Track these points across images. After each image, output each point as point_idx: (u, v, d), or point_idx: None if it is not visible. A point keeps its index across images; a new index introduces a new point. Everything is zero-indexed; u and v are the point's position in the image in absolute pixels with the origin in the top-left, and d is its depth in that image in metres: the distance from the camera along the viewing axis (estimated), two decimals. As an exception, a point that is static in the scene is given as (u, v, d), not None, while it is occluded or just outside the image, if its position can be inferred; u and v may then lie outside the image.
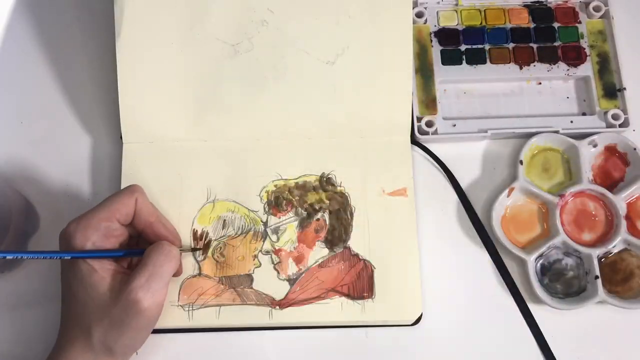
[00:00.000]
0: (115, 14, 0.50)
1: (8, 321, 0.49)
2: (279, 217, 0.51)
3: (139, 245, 0.47)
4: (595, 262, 0.50)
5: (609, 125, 0.54)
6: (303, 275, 0.49)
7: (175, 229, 0.48)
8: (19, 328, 0.49)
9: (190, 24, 0.51)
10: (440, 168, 0.53)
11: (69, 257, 0.42)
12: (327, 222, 0.50)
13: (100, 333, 0.42)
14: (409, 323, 0.49)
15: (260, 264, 0.49)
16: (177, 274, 0.48)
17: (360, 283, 0.49)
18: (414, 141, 0.53)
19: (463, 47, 0.56)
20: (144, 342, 0.44)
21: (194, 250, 0.49)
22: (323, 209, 0.51)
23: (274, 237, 0.50)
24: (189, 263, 0.49)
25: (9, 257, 0.45)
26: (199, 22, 0.51)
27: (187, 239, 0.50)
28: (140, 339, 0.44)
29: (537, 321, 0.49)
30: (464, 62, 0.56)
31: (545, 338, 0.49)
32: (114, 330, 0.42)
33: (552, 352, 0.48)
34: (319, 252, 0.50)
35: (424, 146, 0.54)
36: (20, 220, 0.50)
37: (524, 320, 0.50)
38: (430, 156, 0.53)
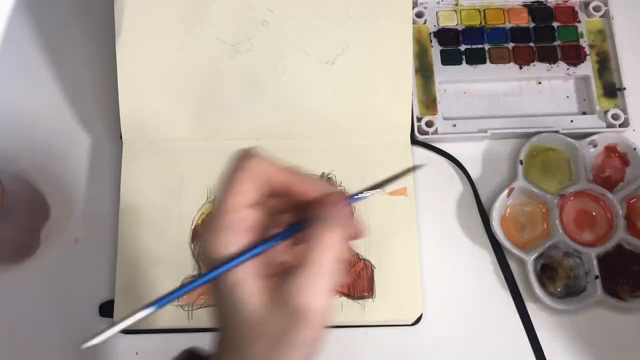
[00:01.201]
0: (115, 13, 0.50)
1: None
2: (279, 217, 0.51)
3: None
4: (595, 262, 0.50)
5: (609, 125, 0.54)
6: (303, 275, 0.49)
7: (322, 182, 0.39)
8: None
9: (190, 24, 0.51)
10: (454, 164, 0.54)
11: (217, 275, 0.32)
12: (327, 222, 0.50)
13: (259, 354, 0.32)
14: (409, 323, 0.49)
15: (260, 264, 0.49)
16: (356, 236, 0.35)
17: (360, 283, 0.49)
18: (415, 141, 0.53)
19: (463, 47, 0.56)
20: None
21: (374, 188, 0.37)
22: (323, 208, 0.51)
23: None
24: (188, 263, 0.49)
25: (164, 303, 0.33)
26: (199, 22, 0.51)
27: (186, 240, 0.50)
28: (310, 357, 0.33)
29: (534, 322, 0.49)
30: (463, 62, 0.56)
31: (540, 339, 0.49)
32: (276, 349, 0.32)
33: (544, 355, 0.49)
34: (319, 252, 0.50)
35: (432, 145, 0.54)
36: (34, 209, 0.50)
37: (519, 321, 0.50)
38: (441, 154, 0.54)
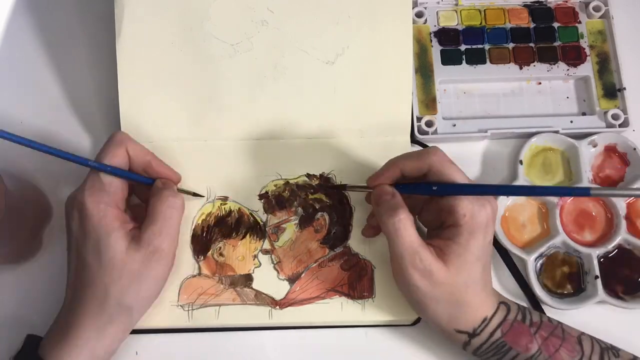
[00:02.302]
0: (116, 14, 0.50)
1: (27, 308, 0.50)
2: (279, 217, 0.51)
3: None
4: (595, 262, 0.50)
5: (609, 125, 0.54)
6: (303, 275, 0.49)
7: (171, 168, 0.49)
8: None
9: (190, 23, 0.51)
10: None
11: (95, 168, 0.44)
12: (327, 222, 0.50)
13: (117, 292, 0.42)
14: (409, 323, 0.49)
15: (260, 264, 0.49)
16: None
17: (360, 283, 0.49)
18: (415, 141, 0.53)
19: (463, 47, 0.56)
20: (159, 294, 0.46)
21: (195, 194, 0.50)
22: (323, 208, 0.51)
23: (274, 237, 0.50)
24: (188, 263, 0.49)
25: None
26: (199, 22, 0.51)
27: (186, 239, 0.50)
28: (157, 289, 0.45)
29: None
30: (463, 62, 0.56)
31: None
32: (133, 286, 0.43)
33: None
34: (318, 251, 0.50)
35: (426, 145, 0.54)
36: (36, 210, 0.50)
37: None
38: None
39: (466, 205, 0.42)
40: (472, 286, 0.43)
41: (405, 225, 0.42)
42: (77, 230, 0.44)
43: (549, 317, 0.46)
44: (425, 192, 0.44)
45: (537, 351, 0.43)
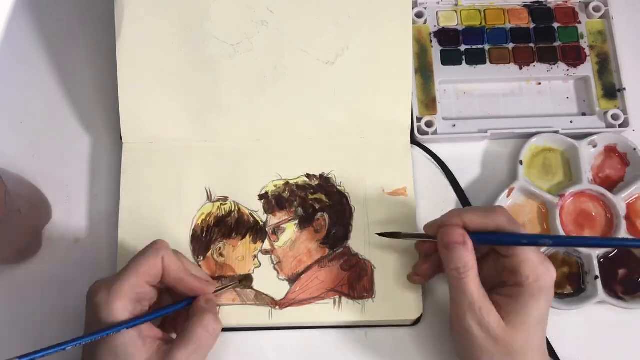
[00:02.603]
0: (116, 14, 0.50)
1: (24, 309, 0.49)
2: (279, 217, 0.51)
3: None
4: (595, 262, 0.50)
5: (609, 126, 0.54)
6: (303, 275, 0.49)
7: (206, 274, 0.47)
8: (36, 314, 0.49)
9: (190, 24, 0.51)
10: (440, 168, 0.53)
11: (113, 333, 0.40)
12: (327, 222, 0.50)
13: None
14: (409, 323, 0.49)
15: (260, 264, 0.49)
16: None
17: (360, 283, 0.49)
18: (414, 141, 0.53)
19: (463, 48, 0.56)
20: None
21: (233, 286, 0.48)
22: (323, 208, 0.51)
23: (274, 237, 0.50)
24: (188, 263, 0.49)
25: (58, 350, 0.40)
26: (199, 22, 0.51)
27: (186, 240, 0.50)
28: None
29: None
30: (463, 62, 0.56)
31: (551, 338, 0.49)
32: None
33: (555, 351, 0.48)
34: (319, 251, 0.50)
35: (424, 146, 0.54)
36: (36, 210, 0.50)
37: None
38: (431, 156, 0.53)
39: (531, 267, 0.41)
40: (531, 351, 0.42)
41: (471, 273, 0.41)
42: (93, 327, 0.41)
43: None
44: (510, 243, 0.42)
45: None
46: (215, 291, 0.45)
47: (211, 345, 0.43)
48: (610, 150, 0.54)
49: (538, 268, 0.41)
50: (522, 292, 0.41)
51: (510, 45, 0.56)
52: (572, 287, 0.50)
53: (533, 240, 0.42)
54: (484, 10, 0.57)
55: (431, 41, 0.56)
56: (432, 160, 0.54)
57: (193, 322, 0.42)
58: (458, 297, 0.42)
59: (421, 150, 0.54)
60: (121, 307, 0.40)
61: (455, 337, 0.44)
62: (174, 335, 0.45)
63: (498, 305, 0.42)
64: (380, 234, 0.48)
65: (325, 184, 0.51)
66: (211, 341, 0.42)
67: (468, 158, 0.54)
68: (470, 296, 0.41)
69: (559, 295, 0.50)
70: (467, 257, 0.42)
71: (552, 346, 0.48)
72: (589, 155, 0.53)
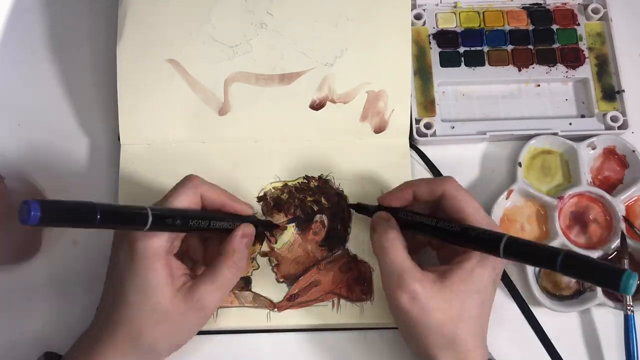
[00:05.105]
0: (119, 16, 0.51)
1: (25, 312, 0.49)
2: (278, 219, 0.50)
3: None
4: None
5: (608, 128, 0.54)
6: (301, 277, 0.49)
7: (245, 202, 0.47)
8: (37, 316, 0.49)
9: (190, 26, 0.51)
10: (432, 173, 0.53)
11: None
12: (326, 224, 0.50)
13: (152, 337, 0.41)
14: (408, 325, 0.49)
15: (259, 266, 0.49)
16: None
17: (358, 285, 0.49)
18: (410, 144, 0.53)
19: (462, 49, 0.56)
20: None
21: (270, 225, 0.50)
22: (322, 210, 0.51)
23: (272, 239, 0.50)
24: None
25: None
26: (199, 25, 0.51)
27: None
28: (189, 338, 0.44)
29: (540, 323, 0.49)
30: (462, 64, 0.56)
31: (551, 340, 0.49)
32: (169, 334, 0.41)
33: (559, 353, 0.48)
34: (317, 253, 0.50)
35: (420, 151, 0.54)
36: None
37: (525, 322, 0.49)
38: (425, 161, 0.54)
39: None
40: (467, 321, 0.41)
41: (394, 244, 0.42)
42: (124, 264, 0.41)
43: None
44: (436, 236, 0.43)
45: None
46: (254, 223, 0.46)
47: (235, 281, 0.44)
48: (609, 152, 0.54)
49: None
50: (471, 257, 0.41)
51: (509, 47, 0.56)
52: (571, 289, 0.50)
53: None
54: (483, 12, 0.57)
55: (430, 43, 0.56)
56: (426, 166, 0.54)
57: (221, 260, 0.43)
58: (384, 270, 0.42)
59: (416, 155, 0.54)
60: (157, 242, 0.40)
61: (392, 315, 0.43)
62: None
63: (441, 272, 0.41)
64: (350, 205, 0.50)
65: (324, 185, 0.51)
66: (235, 280, 0.43)
67: (467, 160, 0.54)
68: (396, 267, 0.41)
69: (559, 298, 0.50)
70: (390, 231, 0.42)
71: (555, 348, 0.48)
72: (587, 157, 0.53)
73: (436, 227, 0.43)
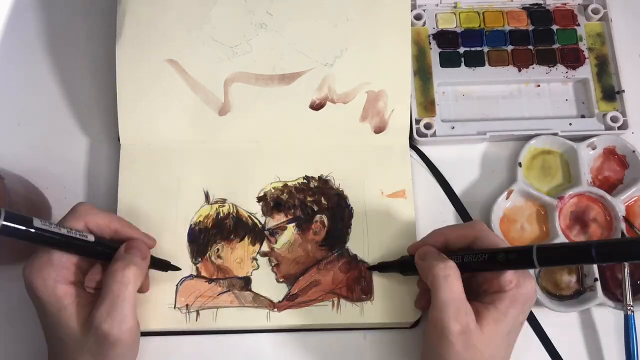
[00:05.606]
0: (118, 15, 0.51)
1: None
2: (278, 219, 0.50)
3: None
4: (595, 265, 0.49)
5: (608, 128, 0.54)
6: (301, 277, 0.49)
7: (143, 232, 0.46)
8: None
9: (190, 26, 0.51)
10: (432, 173, 0.53)
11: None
12: (326, 224, 0.50)
13: None
14: (408, 326, 0.49)
15: (259, 266, 0.49)
16: (142, 290, 0.47)
17: (358, 285, 0.49)
18: (410, 144, 0.53)
19: (462, 50, 0.56)
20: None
21: (168, 266, 0.47)
22: (322, 210, 0.51)
23: (272, 239, 0.50)
24: (186, 265, 0.49)
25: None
26: (198, 25, 0.51)
27: (184, 241, 0.49)
28: None
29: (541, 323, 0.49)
30: (462, 64, 0.56)
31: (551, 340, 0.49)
32: (99, 358, 0.41)
33: (559, 353, 0.48)
34: (317, 253, 0.50)
35: (420, 150, 0.54)
36: (35, 210, 0.50)
37: (525, 322, 0.49)
38: (425, 161, 0.54)
39: (514, 273, 0.41)
40: (495, 358, 0.41)
41: (455, 275, 0.41)
42: (35, 303, 0.42)
43: None
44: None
45: None
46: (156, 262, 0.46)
47: (129, 297, 0.40)
48: (609, 153, 0.54)
49: (519, 274, 0.41)
50: (504, 298, 0.41)
51: (509, 48, 0.56)
52: (571, 289, 0.50)
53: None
54: (483, 13, 0.57)
55: (430, 43, 0.56)
56: (426, 166, 0.54)
57: (105, 275, 0.41)
58: (442, 298, 0.40)
59: (416, 155, 0.54)
60: (45, 277, 0.40)
61: (429, 342, 0.42)
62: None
63: (477, 310, 0.41)
64: (370, 268, 0.49)
65: (323, 185, 0.51)
66: (125, 291, 0.40)
67: (467, 160, 0.54)
68: (456, 298, 0.40)
69: (559, 298, 0.50)
70: (448, 261, 0.41)
71: (555, 348, 0.48)
72: (588, 157, 0.53)
73: (464, 262, 0.42)
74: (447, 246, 0.44)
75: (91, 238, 0.42)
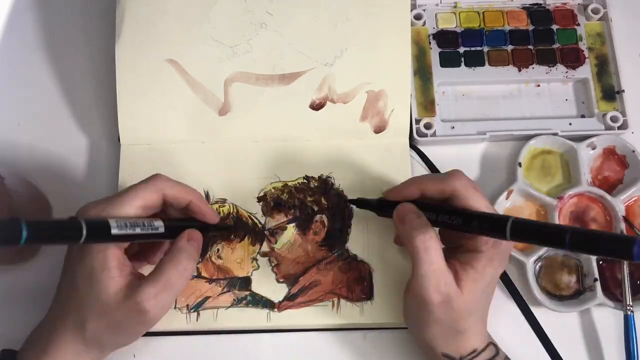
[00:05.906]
0: (117, 15, 0.51)
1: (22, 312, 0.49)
2: (278, 219, 0.50)
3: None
4: (594, 265, 0.49)
5: (608, 128, 0.54)
6: (301, 277, 0.49)
7: (207, 204, 0.46)
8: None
9: (189, 26, 0.51)
10: (432, 173, 0.53)
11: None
12: (326, 224, 0.50)
13: (94, 331, 0.41)
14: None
15: (259, 267, 0.49)
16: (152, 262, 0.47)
17: (358, 285, 0.49)
18: (410, 144, 0.53)
19: (461, 49, 0.56)
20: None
21: (227, 227, 0.50)
22: (322, 210, 0.51)
23: (272, 239, 0.50)
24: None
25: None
26: (198, 24, 0.51)
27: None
28: (134, 339, 0.44)
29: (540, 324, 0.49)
30: (462, 64, 0.56)
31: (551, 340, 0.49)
32: (110, 331, 0.41)
33: (559, 353, 0.48)
34: (317, 254, 0.50)
35: (420, 150, 0.54)
36: (35, 209, 0.50)
37: (525, 323, 0.50)
38: (425, 161, 0.54)
39: None
40: (474, 315, 0.43)
41: (435, 245, 0.41)
42: (77, 252, 0.42)
43: None
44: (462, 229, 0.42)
45: None
46: (217, 227, 0.47)
47: (181, 285, 0.42)
48: (609, 152, 0.54)
49: None
50: (480, 258, 0.42)
51: (509, 47, 0.56)
52: (571, 290, 0.50)
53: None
54: (483, 12, 0.57)
55: (430, 43, 0.56)
56: (426, 166, 0.54)
57: (166, 259, 0.42)
58: (423, 270, 0.41)
59: (416, 155, 0.54)
60: (113, 250, 0.40)
61: (411, 309, 0.44)
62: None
63: (455, 272, 0.42)
64: (349, 200, 0.50)
65: (324, 185, 0.51)
66: (180, 281, 0.42)
67: (467, 160, 0.54)
68: (436, 269, 0.41)
69: (559, 298, 0.50)
70: (428, 230, 0.42)
71: (555, 348, 0.49)
72: (587, 157, 0.53)
73: (437, 221, 0.43)
74: (423, 196, 0.44)
75: (161, 229, 0.42)
